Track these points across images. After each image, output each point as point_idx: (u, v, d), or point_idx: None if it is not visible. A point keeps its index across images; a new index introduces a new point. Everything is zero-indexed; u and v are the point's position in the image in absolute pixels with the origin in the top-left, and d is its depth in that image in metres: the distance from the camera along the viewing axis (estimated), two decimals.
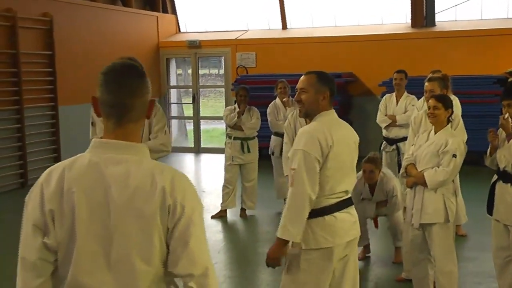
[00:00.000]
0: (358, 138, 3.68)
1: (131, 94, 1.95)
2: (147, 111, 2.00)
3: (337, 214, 3.49)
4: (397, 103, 8.22)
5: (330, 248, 3.47)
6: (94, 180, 1.91)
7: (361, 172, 6.06)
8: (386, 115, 8.25)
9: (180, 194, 1.90)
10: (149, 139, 4.62)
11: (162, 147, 4.54)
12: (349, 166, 3.54)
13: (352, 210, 3.62)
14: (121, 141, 1.95)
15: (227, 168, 8.20)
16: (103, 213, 1.88)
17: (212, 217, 8.13)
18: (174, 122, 15.24)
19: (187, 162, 13.50)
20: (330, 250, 3.48)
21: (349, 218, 3.56)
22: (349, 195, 3.59)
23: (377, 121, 8.37)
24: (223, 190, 8.21)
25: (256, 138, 8.28)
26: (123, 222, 1.87)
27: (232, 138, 8.06)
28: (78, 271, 1.90)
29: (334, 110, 3.59)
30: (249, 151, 8.09)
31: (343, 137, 3.51)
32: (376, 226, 6.43)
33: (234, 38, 14.10)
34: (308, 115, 3.60)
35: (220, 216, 8.18)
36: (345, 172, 3.50)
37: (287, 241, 3.43)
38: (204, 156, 13.90)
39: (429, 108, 4.94)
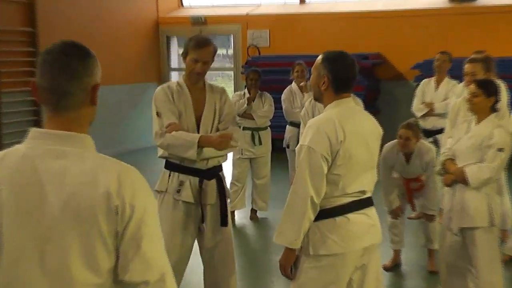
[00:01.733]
0: (380, 131, 3.68)
1: (67, 76, 1.95)
2: (91, 97, 2.00)
3: (350, 215, 3.50)
4: (436, 88, 8.17)
5: (342, 254, 3.48)
6: (26, 177, 1.90)
7: (392, 142, 6.14)
8: (423, 103, 8.21)
9: (129, 193, 1.90)
10: (218, 129, 4.52)
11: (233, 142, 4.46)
12: (366, 163, 3.54)
13: (371, 211, 3.61)
14: (61, 131, 1.95)
15: (235, 163, 8.19)
16: (37, 215, 1.88)
17: None
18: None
19: None
20: (342, 257, 3.48)
21: (365, 220, 3.56)
22: (367, 195, 3.59)
23: (413, 109, 8.36)
24: (230, 188, 8.17)
25: (269, 128, 8.25)
26: (59, 227, 1.87)
27: (242, 128, 8.03)
28: (9, 282, 1.90)
29: (350, 98, 3.59)
30: (260, 143, 8.07)
31: (359, 130, 3.51)
32: (413, 207, 6.49)
33: (245, 13, 14.07)
34: (318, 101, 3.66)
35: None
36: (361, 170, 3.51)
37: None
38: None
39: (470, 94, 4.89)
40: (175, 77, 15.22)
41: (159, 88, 4.47)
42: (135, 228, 1.89)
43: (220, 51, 24.02)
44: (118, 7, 13.33)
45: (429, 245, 6.33)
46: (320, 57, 3.57)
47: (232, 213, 8.20)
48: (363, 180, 3.54)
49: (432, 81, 8.29)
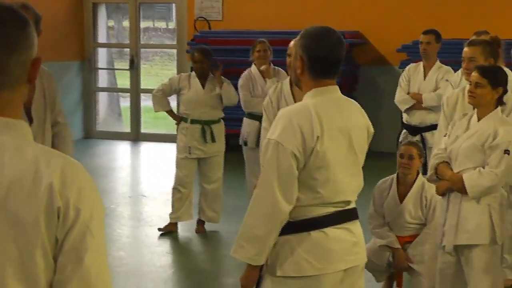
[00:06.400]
0: (370, 127, 3.75)
1: (4, 48, 1.95)
2: (30, 74, 2.01)
3: (328, 230, 3.53)
4: (425, 76, 8.26)
5: (317, 277, 3.51)
6: None
7: (387, 178, 6.14)
8: (408, 93, 8.31)
9: (74, 192, 1.91)
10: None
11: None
12: (349, 167, 3.59)
13: (354, 226, 3.65)
14: None
15: (180, 164, 8.19)
16: None
17: (160, 230, 8.13)
18: (102, 96, 15.14)
19: (120, 154, 13.45)
20: (317, 281, 3.51)
21: (347, 236, 3.59)
22: (351, 206, 3.63)
23: (396, 101, 8.43)
24: (173, 195, 8.20)
25: (222, 121, 8.29)
26: None
27: (189, 121, 8.05)
28: None
29: (336, 87, 3.63)
30: (213, 140, 8.09)
31: (340, 125, 3.55)
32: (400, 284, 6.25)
33: None
34: (298, 87, 3.66)
35: (169, 230, 8.17)
36: (343, 174, 3.54)
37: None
38: (145, 146, 13.86)
39: (470, 84, 4.97)
40: (102, 54, 15.10)
41: None
42: (78, 236, 1.90)
43: (159, 24, 23.98)
44: None
45: None
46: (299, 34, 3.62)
47: (175, 225, 8.24)
48: (346, 187, 3.57)
49: (419, 66, 8.35)
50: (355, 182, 3.64)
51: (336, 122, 3.53)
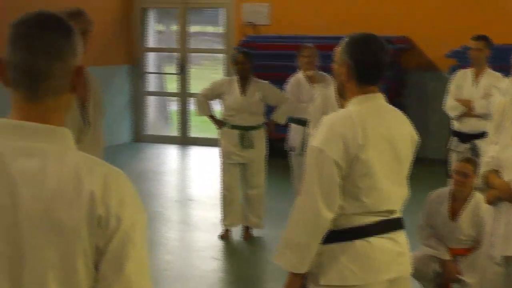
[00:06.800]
0: (415, 137, 3.72)
1: (48, 54, 1.97)
2: (73, 82, 2.03)
3: (373, 239, 3.52)
4: (475, 82, 8.18)
5: (360, 286, 3.51)
6: None
7: (440, 190, 6.09)
8: (458, 100, 8.22)
9: (116, 201, 1.93)
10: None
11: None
12: (394, 176, 3.57)
13: (400, 236, 3.64)
14: (35, 123, 1.96)
15: (224, 168, 8.22)
16: (8, 223, 1.90)
17: (220, 237, 8.15)
18: (151, 100, 15.28)
19: (168, 158, 13.51)
20: None
21: (392, 246, 3.58)
22: (396, 215, 3.62)
23: (445, 108, 8.38)
24: (221, 201, 8.21)
25: (263, 127, 8.28)
26: (36, 238, 1.89)
27: (229, 126, 8.04)
28: None
29: (380, 94, 3.63)
30: (251, 146, 8.07)
31: (385, 134, 3.54)
32: None
33: None
34: (341, 95, 3.67)
35: (226, 236, 8.19)
36: (387, 183, 3.53)
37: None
38: (193, 150, 13.92)
39: None
40: (152, 58, 15.20)
41: None
42: (119, 245, 1.92)
43: (209, 29, 24.07)
44: None
45: None
46: (343, 40, 3.62)
47: (226, 232, 8.20)
48: (390, 196, 3.56)
49: (469, 73, 8.27)
50: (399, 191, 3.62)
51: (380, 130, 3.52)
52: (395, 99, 12.53)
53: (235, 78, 8.12)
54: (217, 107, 8.55)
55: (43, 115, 1.98)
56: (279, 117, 8.30)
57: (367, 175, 3.46)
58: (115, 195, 1.93)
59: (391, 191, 3.56)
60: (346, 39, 3.60)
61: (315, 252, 3.48)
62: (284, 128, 8.57)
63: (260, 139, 8.20)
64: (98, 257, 1.92)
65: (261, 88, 8.09)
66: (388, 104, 3.69)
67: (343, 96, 3.73)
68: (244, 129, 8.06)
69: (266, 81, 8.24)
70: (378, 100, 3.62)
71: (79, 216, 1.89)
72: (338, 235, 3.49)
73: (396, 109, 3.80)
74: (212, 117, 8.35)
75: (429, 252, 5.97)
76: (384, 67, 3.59)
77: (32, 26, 1.98)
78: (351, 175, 3.44)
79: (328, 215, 3.41)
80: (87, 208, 1.90)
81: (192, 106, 14.38)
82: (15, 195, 1.90)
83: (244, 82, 8.04)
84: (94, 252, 1.92)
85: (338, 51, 3.61)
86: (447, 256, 5.91)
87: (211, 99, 8.34)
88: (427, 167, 10.38)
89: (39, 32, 1.97)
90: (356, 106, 3.54)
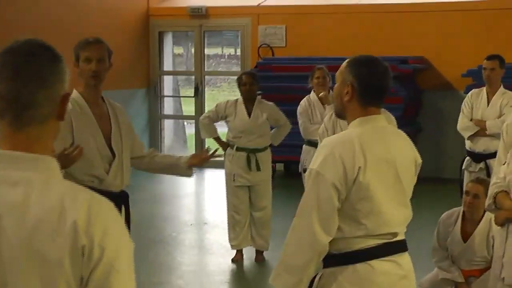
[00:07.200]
0: (418, 158, 3.69)
1: (33, 82, 1.99)
2: (60, 109, 2.04)
3: (374, 262, 3.48)
4: (488, 102, 8.17)
5: None
6: None
7: (452, 210, 6.05)
8: (471, 120, 8.19)
9: (99, 230, 1.91)
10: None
11: None
12: (395, 198, 3.54)
13: (403, 258, 3.59)
14: (20, 152, 1.97)
15: (229, 191, 8.21)
16: None
17: (233, 261, 8.14)
18: (168, 124, 15.31)
19: (184, 181, 13.44)
20: None
21: (394, 269, 3.54)
22: (398, 238, 3.57)
23: (459, 127, 8.38)
24: (229, 222, 8.18)
25: (269, 149, 8.26)
26: (18, 269, 1.89)
27: (235, 148, 7.99)
28: None
29: (381, 116, 3.62)
30: (258, 169, 8.02)
31: (386, 156, 3.51)
32: None
33: (256, 4, 14.13)
34: (340, 117, 3.73)
35: (237, 259, 8.15)
36: (389, 206, 3.49)
37: None
38: (210, 173, 13.88)
39: None
40: (168, 82, 15.25)
41: None
42: (102, 275, 1.91)
43: (227, 50, 24.19)
44: None
45: None
46: (345, 61, 3.60)
47: (240, 251, 8.18)
48: (392, 219, 3.52)
49: (483, 92, 8.27)
50: (401, 214, 3.58)
51: (381, 153, 3.50)
52: (411, 119, 12.51)
53: (240, 99, 8.09)
54: (220, 129, 8.52)
55: (29, 143, 1.99)
56: (275, 139, 8.33)
57: (367, 198, 3.44)
58: (98, 224, 1.92)
59: (392, 213, 3.52)
60: (350, 60, 3.60)
61: (312, 274, 3.48)
62: (298, 149, 8.52)
63: (266, 161, 8.18)
64: (82, 287, 1.91)
65: (266, 109, 8.09)
66: (387, 125, 3.69)
67: (341, 117, 3.69)
68: (251, 151, 8.01)
69: (272, 103, 8.23)
70: (380, 122, 3.60)
71: (62, 247, 1.89)
72: (340, 258, 3.47)
73: (399, 131, 3.80)
74: (218, 138, 8.32)
75: (443, 276, 5.93)
76: (387, 89, 3.60)
77: (17, 55, 2.00)
78: (350, 198, 3.42)
79: (324, 239, 3.40)
80: (70, 239, 1.89)
81: None
82: None
83: (250, 104, 8.01)
84: (79, 282, 1.91)
85: (341, 72, 3.58)
86: (460, 279, 5.91)
87: (216, 121, 8.31)
88: (443, 187, 10.32)
89: (24, 60, 1.99)
90: (358, 128, 3.52)
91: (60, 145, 4.33)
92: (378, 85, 3.54)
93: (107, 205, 1.99)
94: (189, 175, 5.20)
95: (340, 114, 3.65)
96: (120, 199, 4.68)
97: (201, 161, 5.12)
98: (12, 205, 1.91)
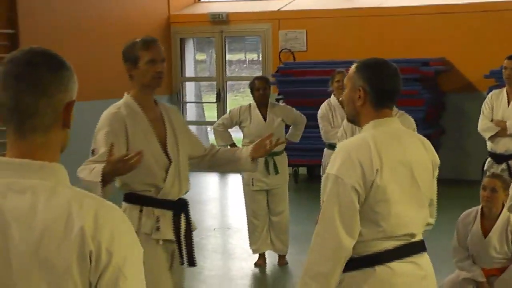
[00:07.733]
0: (435, 159, 3.68)
1: (34, 91, 1.99)
2: (64, 118, 2.04)
3: (394, 264, 3.46)
4: (508, 103, 8.10)
5: None
6: None
7: (471, 209, 6.02)
8: (492, 121, 8.14)
9: (106, 236, 1.92)
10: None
11: None
12: (413, 199, 3.53)
13: (422, 259, 3.57)
14: (26, 160, 1.98)
15: (247, 195, 8.18)
16: (1, 262, 1.91)
17: (256, 265, 8.15)
18: (191, 129, 15.25)
19: (207, 186, 13.50)
20: None
21: (414, 270, 3.52)
22: (416, 239, 3.56)
23: (479, 129, 8.33)
24: (249, 227, 8.19)
25: (285, 152, 8.25)
26: (27, 276, 1.89)
27: None
28: None
29: (395, 118, 3.64)
30: (277, 172, 8.01)
31: (401, 158, 3.50)
32: None
33: (276, 9, 14.16)
34: (353, 122, 3.71)
35: (260, 264, 8.16)
36: (406, 207, 3.48)
37: None
38: (233, 178, 13.87)
39: None
40: (190, 88, 15.28)
41: (105, 113, 4.51)
42: (110, 280, 1.91)
43: (249, 56, 24.21)
44: (119, 3, 13.43)
45: None
46: (353, 65, 3.60)
47: (262, 255, 8.17)
48: (409, 220, 3.51)
49: (503, 93, 8.20)
50: (419, 215, 3.57)
51: (397, 155, 3.49)
52: (434, 121, 12.45)
53: (254, 104, 8.10)
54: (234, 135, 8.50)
55: (34, 151, 2.00)
56: (294, 136, 8.33)
57: (384, 200, 3.43)
58: (106, 230, 1.93)
59: (410, 215, 3.51)
60: (358, 65, 3.59)
61: (338, 280, 3.45)
62: (319, 153, 8.50)
63: (283, 164, 8.18)
64: None
65: (280, 112, 8.12)
66: (401, 127, 3.68)
67: (354, 123, 3.68)
68: (269, 155, 7.97)
69: (283, 104, 8.23)
70: (393, 124, 3.60)
71: (69, 254, 1.89)
72: (359, 262, 3.46)
73: (414, 133, 3.85)
74: (233, 145, 8.26)
75: (464, 276, 5.91)
76: (399, 90, 3.59)
77: (20, 64, 2.01)
78: (368, 200, 3.42)
79: (349, 242, 3.39)
80: (77, 245, 1.90)
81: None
82: (7, 233, 1.91)
83: (263, 108, 8.04)
84: (87, 287, 1.91)
85: (350, 77, 3.57)
86: (481, 278, 5.88)
87: (230, 127, 8.32)
88: (466, 188, 10.24)
89: (27, 69, 2.00)
90: (372, 130, 3.52)
91: (116, 151, 4.08)
92: (390, 87, 3.54)
93: (114, 211, 1.99)
94: (253, 169, 4.97)
95: (353, 119, 3.64)
96: (179, 208, 4.59)
97: (265, 152, 4.86)
98: (19, 213, 1.92)
